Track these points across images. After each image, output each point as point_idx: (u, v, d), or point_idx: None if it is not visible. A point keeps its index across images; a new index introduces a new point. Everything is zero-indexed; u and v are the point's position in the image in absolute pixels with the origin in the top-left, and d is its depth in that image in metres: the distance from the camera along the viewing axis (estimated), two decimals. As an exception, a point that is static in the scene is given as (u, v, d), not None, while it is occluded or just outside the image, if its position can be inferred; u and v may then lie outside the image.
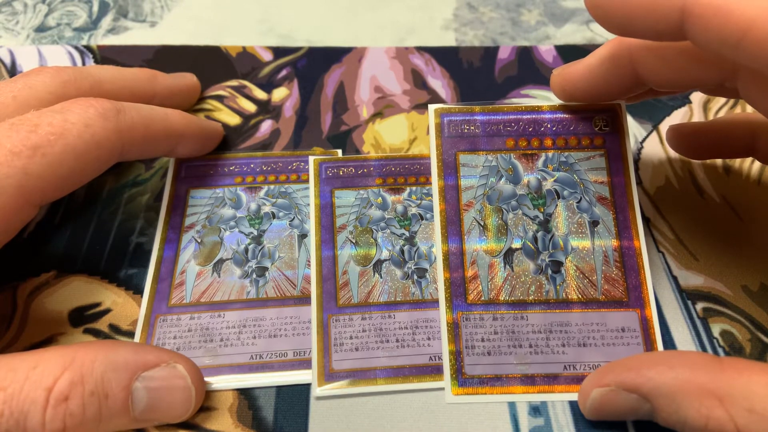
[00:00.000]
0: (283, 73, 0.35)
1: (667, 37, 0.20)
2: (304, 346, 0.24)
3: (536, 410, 0.23)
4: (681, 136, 0.28)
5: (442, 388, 0.23)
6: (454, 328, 0.24)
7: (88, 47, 0.36)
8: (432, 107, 0.27)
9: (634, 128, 0.32)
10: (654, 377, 0.20)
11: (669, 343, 0.25)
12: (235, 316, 0.25)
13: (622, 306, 0.24)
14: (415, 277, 0.26)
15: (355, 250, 0.26)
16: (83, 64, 0.35)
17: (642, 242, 0.25)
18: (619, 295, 0.24)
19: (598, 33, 0.38)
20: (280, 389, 0.23)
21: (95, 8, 0.39)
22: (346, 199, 0.27)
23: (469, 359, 0.23)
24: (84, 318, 0.25)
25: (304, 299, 0.25)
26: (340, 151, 0.31)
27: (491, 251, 0.25)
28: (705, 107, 0.33)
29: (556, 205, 0.26)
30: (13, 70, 0.35)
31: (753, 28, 0.17)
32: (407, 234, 0.27)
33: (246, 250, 0.27)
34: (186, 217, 0.28)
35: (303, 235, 0.27)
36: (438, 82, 0.35)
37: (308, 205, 0.28)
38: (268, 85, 0.34)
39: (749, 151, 0.27)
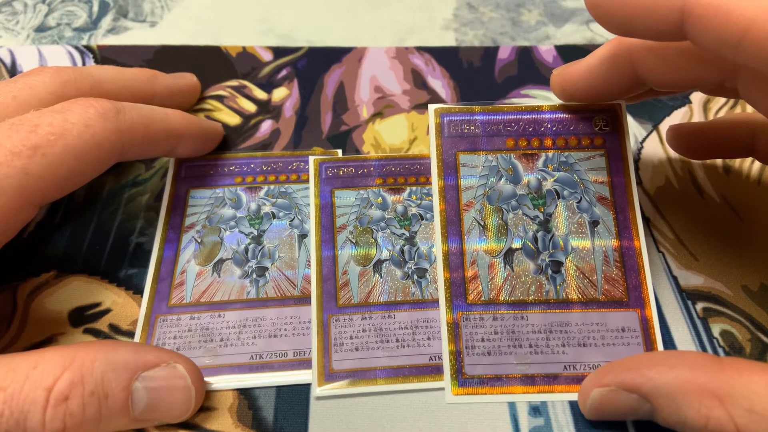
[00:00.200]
0: (283, 73, 0.35)
1: (667, 37, 0.20)
2: (304, 346, 0.24)
3: (536, 410, 0.23)
4: (681, 136, 0.28)
5: (442, 388, 0.23)
6: (454, 328, 0.24)
7: (88, 47, 0.36)
8: (432, 107, 0.27)
9: (634, 128, 0.32)
10: (654, 377, 0.20)
11: (669, 343, 0.25)
12: (235, 316, 0.25)
13: (622, 306, 0.24)
14: (415, 277, 0.26)
15: (355, 250, 0.26)
16: (83, 64, 0.35)
17: (642, 242, 0.25)
18: (619, 295, 0.24)
19: (598, 33, 0.38)
20: (280, 389, 0.23)
21: (95, 8, 0.39)
22: (346, 199, 0.27)
23: (469, 359, 0.23)
24: (84, 318, 0.25)
25: (304, 299, 0.25)
26: (340, 151, 0.31)
27: (491, 251, 0.25)
28: (705, 107, 0.33)
29: (556, 205, 0.26)
30: (13, 70, 0.35)
31: (753, 28, 0.17)
32: (407, 234, 0.27)
33: (246, 250, 0.27)
34: (186, 217, 0.28)
35: (303, 235, 0.27)
36: (438, 82, 0.35)
37: (308, 205, 0.28)
38: (268, 85, 0.34)
39: (749, 151, 0.27)
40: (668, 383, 0.19)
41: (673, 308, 0.26)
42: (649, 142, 0.32)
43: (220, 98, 0.33)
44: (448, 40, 0.37)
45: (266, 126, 0.32)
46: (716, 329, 0.25)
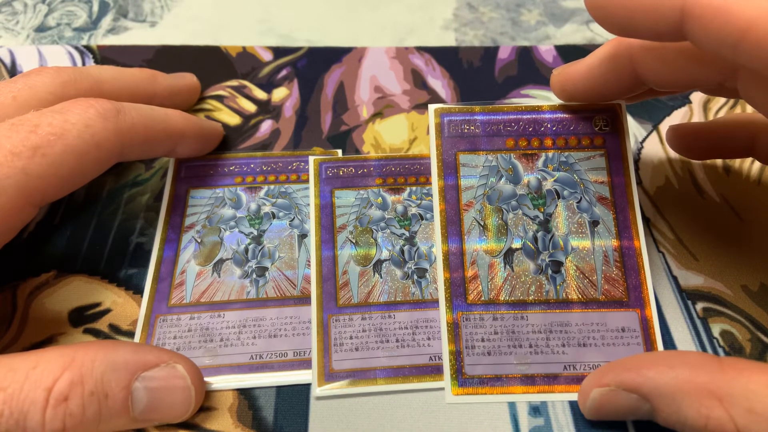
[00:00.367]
0: (283, 73, 0.35)
1: (667, 38, 0.20)
2: (304, 346, 0.24)
3: (536, 410, 0.23)
4: (681, 137, 0.28)
5: (442, 388, 0.23)
6: (454, 328, 0.24)
7: (88, 47, 0.36)
8: (432, 107, 0.27)
9: (634, 128, 0.32)
10: (654, 377, 0.20)
11: (669, 343, 0.25)
12: (235, 316, 0.25)
13: (622, 306, 0.24)
14: (415, 277, 0.26)
15: (355, 250, 0.26)
16: (83, 64, 0.35)
17: (642, 242, 0.25)
18: (619, 295, 0.24)
19: (598, 33, 0.38)
20: (280, 389, 0.23)
21: (95, 8, 0.39)
22: (346, 199, 0.27)
23: (469, 359, 0.23)
24: (84, 318, 0.25)
25: (304, 299, 0.25)
26: (340, 151, 0.31)
27: (491, 251, 0.25)
28: (705, 107, 0.33)
29: (556, 205, 0.26)
30: (13, 70, 0.35)
31: (752, 29, 0.17)
32: (407, 234, 0.27)
33: (246, 250, 0.27)
34: (186, 217, 0.28)
35: (303, 235, 0.27)
36: (438, 82, 0.35)
37: (308, 205, 0.28)
38: (268, 85, 0.34)
39: (749, 152, 0.27)
40: (668, 383, 0.19)
41: (673, 308, 0.26)
42: (649, 142, 0.32)
43: (220, 98, 0.33)
44: (448, 40, 0.37)
45: (266, 126, 0.32)
46: (716, 329, 0.25)
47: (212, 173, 0.29)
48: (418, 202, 0.28)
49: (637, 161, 0.31)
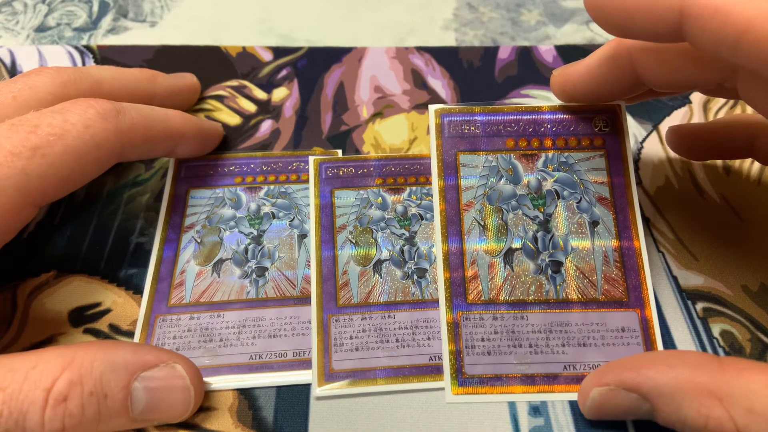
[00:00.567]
0: (283, 73, 0.35)
1: (666, 39, 0.20)
2: (303, 346, 0.24)
3: (536, 410, 0.23)
4: (680, 138, 0.28)
5: (442, 388, 0.23)
6: (454, 328, 0.24)
7: (88, 47, 0.36)
8: (432, 107, 0.27)
9: (634, 128, 0.32)
10: (654, 377, 0.20)
11: (669, 343, 0.25)
12: (235, 316, 0.25)
13: (622, 306, 0.24)
14: (415, 277, 0.26)
15: (355, 250, 0.26)
16: (83, 64, 0.35)
17: (642, 242, 0.25)
18: (619, 295, 0.24)
19: (598, 33, 0.38)
20: (280, 389, 0.23)
21: (95, 8, 0.39)
22: (346, 199, 0.27)
23: (469, 359, 0.23)
24: (84, 318, 0.25)
25: (303, 299, 0.25)
26: (340, 151, 0.31)
27: (491, 251, 0.25)
28: (705, 107, 0.33)
29: (556, 205, 0.26)
30: (13, 70, 0.35)
31: (751, 29, 0.17)
32: (407, 234, 0.27)
33: (246, 250, 0.27)
34: (186, 217, 0.28)
35: (303, 236, 0.27)
36: (438, 82, 0.35)
37: (308, 205, 0.28)
38: (268, 85, 0.34)
39: (749, 152, 0.27)
40: (668, 383, 0.19)
41: (673, 308, 0.26)
42: (649, 142, 0.32)
43: (220, 98, 0.33)
44: (448, 40, 0.37)
45: (266, 126, 0.32)
46: (716, 329, 0.25)
47: (212, 173, 0.29)
48: (418, 202, 0.28)
49: (637, 161, 0.31)
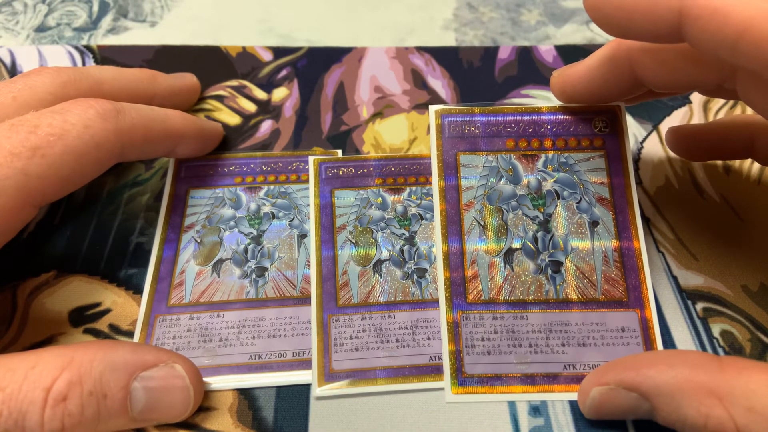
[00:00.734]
0: (283, 73, 0.35)
1: (665, 40, 0.20)
2: (303, 346, 0.24)
3: (536, 410, 0.23)
4: (680, 138, 0.29)
5: (442, 388, 0.23)
6: (454, 328, 0.24)
7: (88, 47, 0.36)
8: (432, 108, 0.27)
9: (634, 128, 0.32)
10: (654, 376, 0.20)
11: (669, 343, 0.25)
12: (235, 317, 0.25)
13: (622, 306, 0.24)
14: (415, 277, 0.26)
15: (355, 250, 0.26)
16: (83, 64, 0.35)
17: (642, 243, 0.25)
18: (619, 295, 0.24)
19: (598, 33, 0.38)
20: (280, 389, 0.23)
21: (95, 8, 0.39)
22: (345, 199, 0.27)
23: (469, 358, 0.23)
24: (84, 318, 0.25)
25: (303, 299, 0.25)
26: (340, 151, 0.31)
27: (491, 251, 0.25)
28: (705, 107, 0.33)
29: (556, 205, 0.26)
30: (13, 70, 0.35)
31: (750, 30, 0.17)
32: (407, 234, 0.27)
33: (245, 250, 0.27)
34: (186, 217, 0.28)
35: (302, 236, 0.27)
36: (438, 82, 0.35)
37: (308, 205, 0.28)
38: (268, 85, 0.34)
39: (748, 153, 0.27)
40: (668, 382, 0.19)
41: (673, 308, 0.26)
42: (649, 142, 0.32)
43: (220, 98, 0.33)
44: (448, 40, 0.37)
45: (266, 126, 0.32)
46: (716, 329, 0.25)
47: (212, 173, 0.29)
48: (418, 202, 0.28)
49: (637, 161, 0.31)
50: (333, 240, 0.26)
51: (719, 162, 0.30)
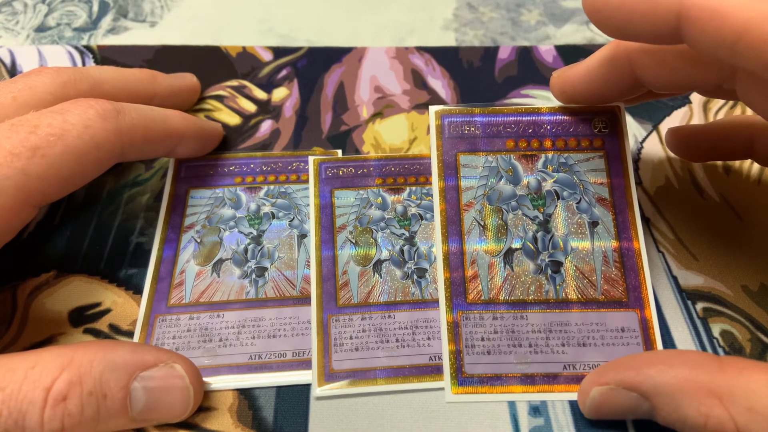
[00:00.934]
0: (283, 73, 0.35)
1: (665, 41, 0.20)
2: (303, 346, 0.24)
3: (536, 410, 0.23)
4: (680, 139, 0.29)
5: (442, 388, 0.23)
6: (454, 328, 0.24)
7: (88, 47, 0.36)
8: (432, 108, 0.27)
9: (634, 128, 0.32)
10: (654, 376, 0.20)
11: (669, 343, 0.25)
12: (235, 317, 0.25)
13: (622, 306, 0.24)
14: (415, 277, 0.26)
15: (355, 250, 0.26)
16: (83, 64, 0.35)
17: (641, 243, 0.25)
18: (619, 295, 0.24)
19: (598, 33, 0.38)
20: (280, 389, 0.23)
21: (95, 8, 0.39)
22: (345, 199, 0.27)
23: (468, 358, 0.23)
24: (84, 318, 0.25)
25: (303, 299, 0.25)
26: (340, 151, 0.31)
27: (491, 251, 0.25)
28: (705, 107, 0.33)
29: (556, 205, 0.26)
30: (13, 70, 0.35)
31: (749, 31, 0.17)
32: (407, 234, 0.27)
33: (245, 250, 0.27)
34: (186, 217, 0.28)
35: (302, 236, 0.27)
36: (438, 82, 0.35)
37: (308, 205, 0.28)
38: (268, 85, 0.34)
39: (748, 154, 0.27)
40: (668, 382, 0.19)
41: (673, 308, 0.26)
42: (649, 142, 0.32)
43: (220, 98, 0.33)
44: (448, 40, 0.37)
45: (266, 126, 0.32)
46: (716, 329, 0.25)
47: (212, 173, 0.29)
48: (418, 202, 0.28)
49: (637, 161, 0.31)
50: (333, 240, 0.26)
51: (719, 162, 0.30)
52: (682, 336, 0.25)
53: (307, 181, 0.29)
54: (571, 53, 0.36)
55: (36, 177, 0.21)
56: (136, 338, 0.24)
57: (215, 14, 0.39)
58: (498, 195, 0.26)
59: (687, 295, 0.26)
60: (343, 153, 0.31)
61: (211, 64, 0.35)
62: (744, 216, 0.28)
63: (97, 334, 0.25)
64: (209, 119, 0.32)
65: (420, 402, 0.23)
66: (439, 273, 0.25)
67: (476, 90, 0.34)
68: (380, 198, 0.28)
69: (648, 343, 0.24)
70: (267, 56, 0.36)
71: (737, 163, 0.30)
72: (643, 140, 0.32)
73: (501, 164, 0.26)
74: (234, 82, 0.34)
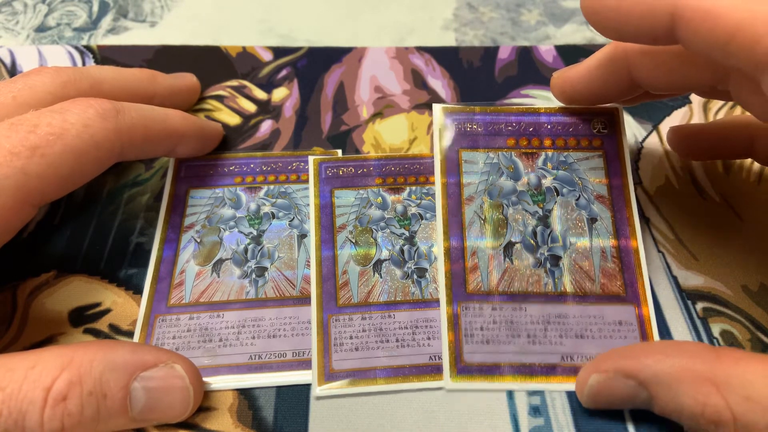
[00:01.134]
0: (283, 73, 0.35)
1: (660, 41, 0.20)
2: (303, 346, 0.24)
3: (536, 410, 0.23)
4: (681, 138, 0.29)
5: (442, 388, 0.23)
6: (454, 318, 0.24)
7: (88, 47, 0.36)
8: (437, 106, 0.27)
9: (634, 128, 0.32)
10: (652, 365, 0.20)
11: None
12: (234, 317, 0.25)
13: (620, 300, 0.24)
14: (415, 276, 0.26)
15: (355, 249, 0.26)
16: (83, 64, 0.35)
17: (639, 241, 0.25)
18: (617, 289, 0.25)
19: (598, 33, 0.38)
20: (280, 389, 0.23)
21: (95, 8, 0.39)
22: (345, 198, 0.27)
23: (468, 347, 0.23)
24: (84, 318, 0.25)
25: (303, 299, 0.25)
26: (339, 151, 0.31)
27: (491, 244, 0.25)
28: (705, 107, 0.33)
29: (555, 201, 0.26)
30: (13, 70, 0.35)
31: (740, 31, 0.17)
32: (407, 234, 0.27)
33: (245, 250, 0.27)
34: (186, 217, 0.28)
35: (302, 236, 0.27)
36: (438, 82, 0.35)
37: (308, 205, 0.28)
38: (268, 85, 0.34)
39: (748, 153, 0.27)
40: (665, 371, 0.19)
41: (673, 308, 0.26)
42: (649, 141, 0.32)
43: (220, 98, 0.33)
44: (448, 40, 0.37)
45: (266, 126, 0.32)
46: (716, 329, 0.25)
47: (212, 173, 0.29)
48: (418, 201, 0.28)
49: (637, 161, 0.31)
50: (333, 240, 0.26)
51: (719, 162, 0.30)
52: (683, 336, 0.25)
53: (307, 181, 0.29)
54: (571, 53, 0.36)
55: (35, 176, 0.21)
56: (136, 338, 0.24)
57: (215, 14, 0.39)
58: (499, 190, 0.26)
59: (687, 295, 0.26)
60: (343, 153, 0.31)
61: (211, 64, 0.35)
62: (744, 216, 0.28)
63: (97, 334, 0.25)
64: (209, 119, 0.32)
65: (420, 402, 0.23)
66: (440, 265, 0.25)
67: (476, 90, 0.34)
68: (380, 198, 0.28)
69: (645, 338, 0.24)
70: (267, 56, 0.36)
71: (737, 162, 0.30)
72: (644, 140, 0.32)
73: (502, 161, 0.26)
74: (234, 82, 0.34)
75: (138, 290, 0.26)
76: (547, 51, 0.36)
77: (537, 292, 0.25)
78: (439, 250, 0.25)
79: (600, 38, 0.37)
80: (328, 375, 0.23)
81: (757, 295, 0.26)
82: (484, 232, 0.25)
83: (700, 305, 0.26)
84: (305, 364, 0.24)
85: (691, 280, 0.26)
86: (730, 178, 0.30)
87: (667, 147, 0.31)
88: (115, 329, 0.25)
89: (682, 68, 0.23)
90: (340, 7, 0.39)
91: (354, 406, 0.23)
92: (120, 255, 0.27)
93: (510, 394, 0.23)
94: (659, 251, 0.27)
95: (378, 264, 0.26)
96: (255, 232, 0.27)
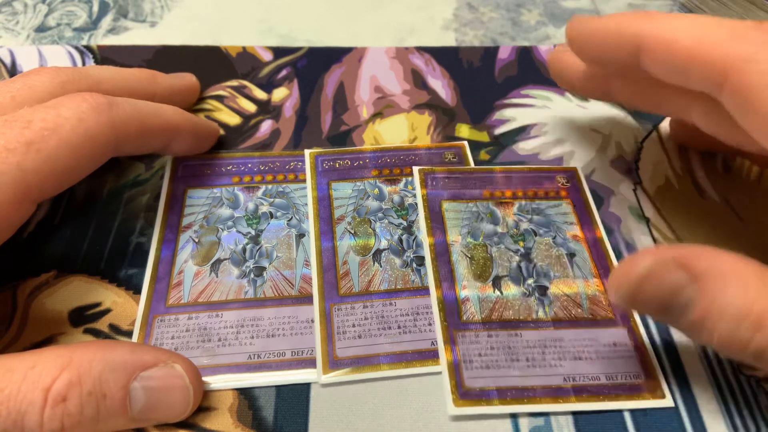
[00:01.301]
0: (283, 73, 0.35)
1: (631, 69, 0.22)
2: (302, 345, 0.24)
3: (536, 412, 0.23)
4: (682, 126, 0.30)
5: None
6: (451, 344, 0.24)
7: (88, 47, 0.36)
8: (416, 169, 0.29)
9: (635, 128, 0.32)
10: (709, 257, 0.19)
11: (668, 342, 0.25)
12: (233, 316, 0.25)
13: (611, 324, 0.25)
14: (414, 265, 0.26)
15: (354, 240, 0.27)
16: (83, 64, 0.35)
17: None
18: (605, 314, 0.25)
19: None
20: (280, 389, 0.23)
21: (95, 8, 0.39)
22: (343, 191, 0.28)
23: (468, 373, 0.23)
24: (84, 318, 0.25)
25: (302, 299, 0.25)
26: (339, 151, 0.31)
27: (479, 278, 0.26)
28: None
29: (535, 240, 0.27)
30: (13, 70, 0.35)
31: (697, 56, 0.19)
32: (405, 223, 0.27)
33: (244, 249, 0.27)
34: (183, 216, 0.28)
35: (301, 235, 0.27)
36: (438, 82, 0.35)
37: (306, 204, 0.28)
38: (268, 85, 0.34)
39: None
40: (721, 265, 0.18)
41: (673, 308, 0.26)
42: (649, 142, 0.32)
43: (220, 98, 0.33)
44: (448, 40, 0.37)
45: (266, 126, 0.32)
46: (716, 329, 0.25)
47: (209, 173, 0.29)
48: (414, 192, 0.28)
49: (637, 161, 0.31)
50: (332, 231, 0.27)
51: (719, 162, 0.30)
52: (683, 336, 0.25)
53: (304, 181, 0.29)
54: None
55: (32, 172, 0.21)
56: (134, 339, 0.24)
57: (215, 14, 0.39)
58: (481, 233, 0.27)
59: (687, 295, 0.26)
60: (343, 153, 0.31)
61: (211, 64, 0.35)
62: (744, 216, 0.28)
63: (97, 334, 0.25)
64: (209, 119, 0.32)
65: (420, 402, 0.23)
66: (432, 296, 0.25)
67: (476, 90, 0.34)
68: (377, 189, 0.28)
69: (641, 356, 0.24)
70: (267, 56, 0.36)
71: (737, 163, 0.30)
72: (643, 140, 0.32)
73: (481, 209, 0.28)
74: (234, 82, 0.34)
75: (138, 290, 0.26)
76: (547, 51, 0.36)
77: (530, 319, 0.25)
78: (430, 282, 0.26)
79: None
80: (333, 363, 0.23)
81: (757, 294, 0.26)
82: (471, 268, 0.26)
83: (699, 305, 0.26)
84: (304, 363, 0.24)
85: (691, 279, 0.26)
86: (730, 178, 0.30)
87: (667, 147, 0.31)
88: (115, 329, 0.25)
89: (657, 94, 0.24)
90: (340, 7, 0.39)
91: (354, 407, 0.23)
92: (120, 255, 0.27)
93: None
94: (659, 251, 0.27)
95: (377, 254, 0.26)
96: (253, 232, 0.27)
